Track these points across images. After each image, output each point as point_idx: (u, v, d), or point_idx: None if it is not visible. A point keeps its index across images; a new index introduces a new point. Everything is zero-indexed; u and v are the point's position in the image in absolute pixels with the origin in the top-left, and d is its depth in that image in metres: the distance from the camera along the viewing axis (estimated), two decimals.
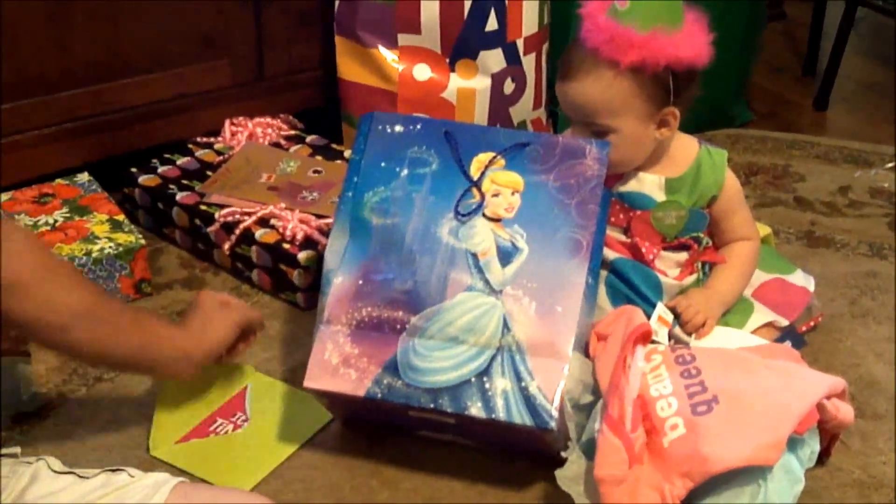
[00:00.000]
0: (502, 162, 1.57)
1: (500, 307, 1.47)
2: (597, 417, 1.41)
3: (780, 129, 2.80)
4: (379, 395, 1.46)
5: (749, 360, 1.48)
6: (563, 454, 1.42)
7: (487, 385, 1.43)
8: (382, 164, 1.59)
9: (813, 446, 1.44)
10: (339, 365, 1.48)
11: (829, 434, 1.53)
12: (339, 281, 1.53)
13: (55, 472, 1.30)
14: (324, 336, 1.51)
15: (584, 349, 1.52)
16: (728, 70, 2.64)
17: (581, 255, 1.49)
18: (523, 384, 1.43)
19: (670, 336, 1.64)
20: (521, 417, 1.42)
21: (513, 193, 1.54)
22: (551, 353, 1.44)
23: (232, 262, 2.00)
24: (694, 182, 1.71)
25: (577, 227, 1.51)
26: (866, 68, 3.28)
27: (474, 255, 1.51)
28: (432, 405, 1.44)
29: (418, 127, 1.61)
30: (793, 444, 1.39)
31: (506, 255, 1.51)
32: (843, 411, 1.48)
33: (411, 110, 2.18)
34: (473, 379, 1.44)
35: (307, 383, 1.49)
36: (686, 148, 1.74)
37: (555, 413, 1.41)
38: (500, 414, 1.42)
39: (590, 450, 1.39)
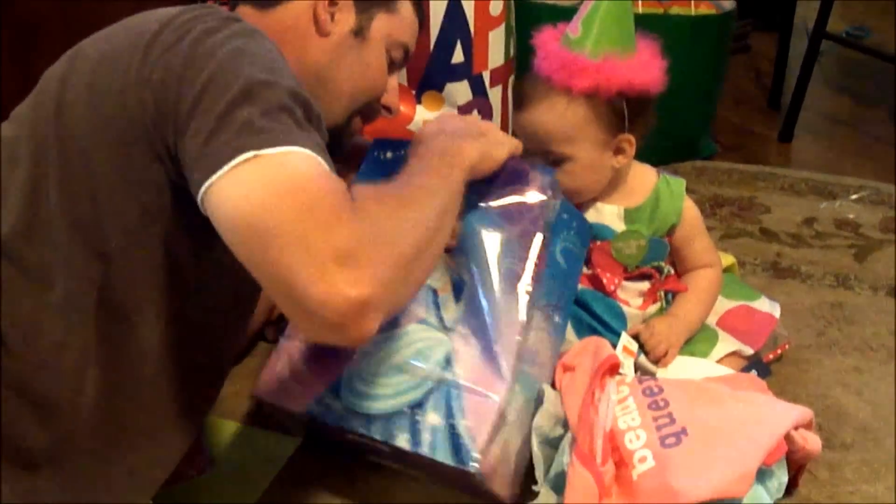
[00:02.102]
0: None
1: (448, 344, 1.44)
2: (566, 451, 1.40)
3: (745, 160, 2.82)
4: (316, 415, 1.45)
5: (717, 391, 1.48)
6: (534, 488, 1.41)
7: (419, 418, 1.40)
8: None
9: (781, 477, 1.44)
10: (289, 379, 1.48)
11: (797, 465, 1.52)
12: None
13: None
14: (281, 349, 1.51)
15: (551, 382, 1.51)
16: (693, 102, 2.67)
17: (521, 289, 1.45)
18: (452, 422, 1.38)
19: (636, 366, 1.63)
20: (443, 455, 1.37)
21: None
22: (484, 394, 1.40)
23: None
24: (653, 211, 1.71)
25: (517, 258, 1.47)
26: (831, 100, 3.32)
27: (434, 292, 1.49)
28: (363, 431, 1.42)
29: (404, 154, 1.57)
30: (761, 475, 1.39)
31: (457, 290, 1.48)
32: (811, 442, 1.48)
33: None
34: (407, 410, 1.41)
35: (255, 391, 1.50)
36: (644, 177, 1.74)
37: (476, 455, 1.36)
38: (425, 448, 1.38)
39: (559, 484, 1.38)
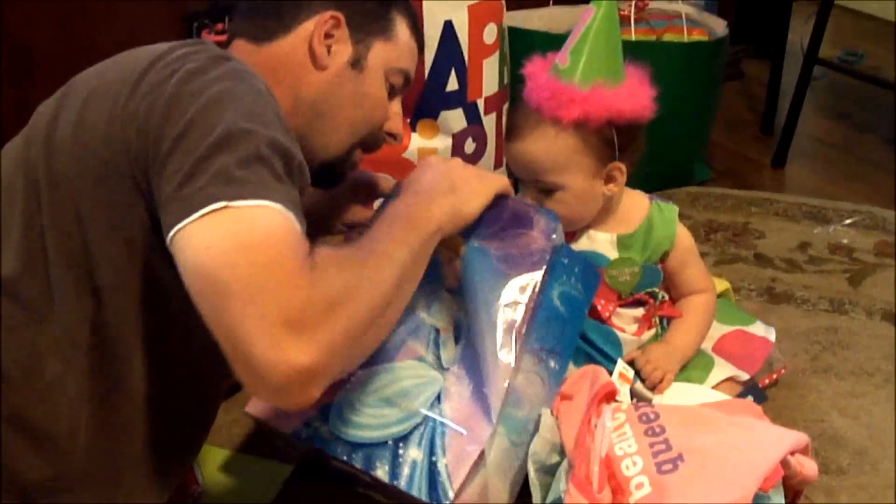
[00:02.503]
0: None
1: (440, 383, 1.43)
2: (562, 478, 1.40)
3: (739, 186, 2.82)
4: (304, 437, 1.44)
5: (713, 417, 1.48)
6: None
7: (401, 451, 1.39)
8: None
9: (778, 502, 1.43)
10: None
11: (793, 490, 1.52)
12: None
13: None
14: None
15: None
16: (687, 128, 2.68)
17: (514, 335, 1.42)
18: (433, 458, 1.37)
19: (632, 393, 1.63)
20: (419, 490, 1.36)
21: (457, 258, 1.50)
22: (468, 437, 1.38)
23: None
24: (646, 238, 1.72)
25: (513, 303, 1.44)
26: (823, 126, 3.33)
27: (437, 331, 1.48)
28: (345, 458, 1.41)
29: None
30: (758, 500, 1.39)
31: (458, 330, 1.47)
32: (807, 467, 1.48)
33: (372, 170, 2.19)
34: (391, 442, 1.40)
35: (247, 409, 1.49)
36: (636, 204, 1.75)
37: (451, 494, 1.35)
38: (402, 482, 1.37)
39: None
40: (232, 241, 1.07)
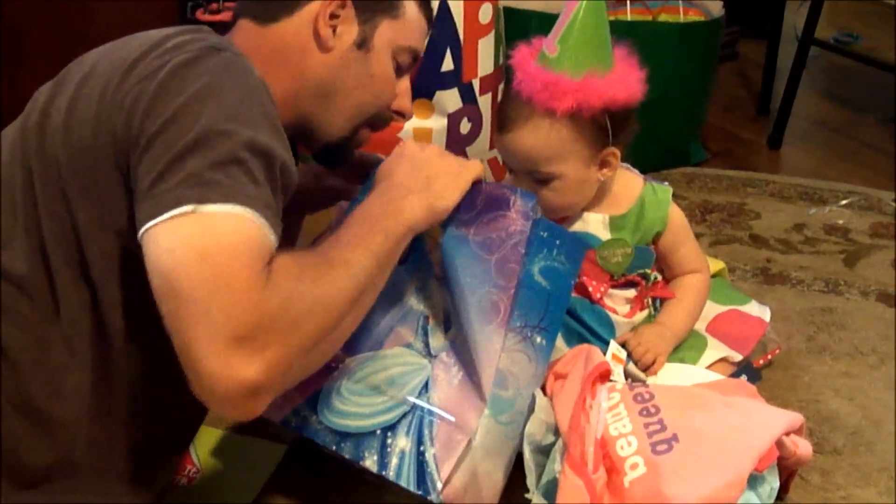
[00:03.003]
0: None
1: (428, 370, 1.43)
2: (557, 458, 1.40)
3: (735, 167, 2.82)
4: (293, 425, 1.44)
5: (707, 397, 1.48)
6: (526, 495, 1.41)
7: (390, 441, 1.39)
8: None
9: (772, 483, 1.43)
10: None
11: (788, 470, 1.53)
12: None
13: None
14: None
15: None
16: (683, 109, 2.67)
17: (498, 321, 1.41)
18: (422, 448, 1.37)
19: (626, 374, 1.63)
20: (407, 481, 1.37)
21: (437, 247, 1.48)
22: (456, 425, 1.38)
23: None
24: (638, 219, 1.71)
25: (495, 287, 1.42)
26: (819, 107, 3.33)
27: (426, 318, 1.48)
28: (334, 447, 1.41)
29: None
30: (752, 481, 1.39)
31: (447, 318, 1.47)
32: (802, 447, 1.48)
33: (366, 150, 2.18)
34: (379, 432, 1.40)
35: None
36: (630, 185, 1.74)
37: (439, 485, 1.35)
38: (391, 472, 1.37)
39: (551, 491, 1.38)
40: (193, 247, 1.07)
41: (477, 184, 1.47)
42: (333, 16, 1.42)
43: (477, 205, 1.46)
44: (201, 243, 1.07)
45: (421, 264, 1.51)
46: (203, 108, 1.14)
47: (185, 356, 1.06)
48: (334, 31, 1.42)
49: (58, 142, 1.21)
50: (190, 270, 1.06)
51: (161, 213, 1.08)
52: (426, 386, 1.42)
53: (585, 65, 1.57)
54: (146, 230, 1.09)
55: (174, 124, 1.13)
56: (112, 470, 1.29)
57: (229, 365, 1.04)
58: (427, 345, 1.46)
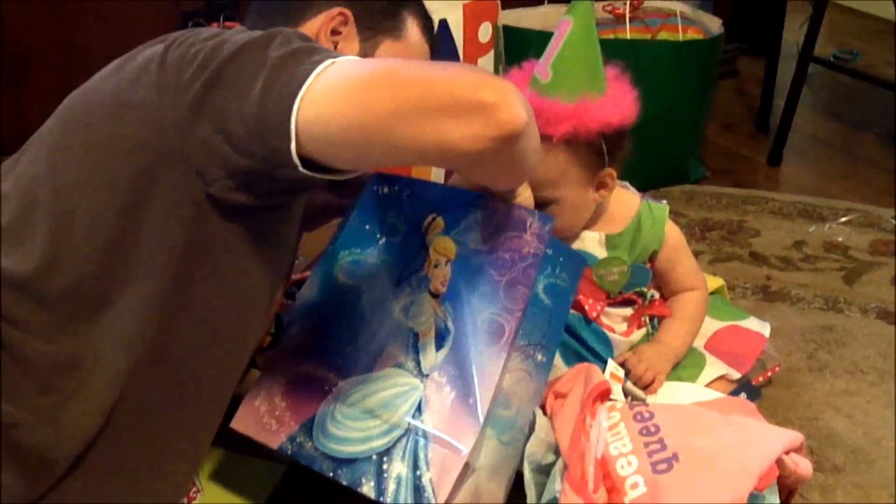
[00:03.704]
0: (441, 224, 1.48)
1: (420, 391, 1.41)
2: (557, 478, 1.40)
3: (734, 184, 2.82)
4: (289, 452, 1.44)
5: (707, 416, 1.48)
6: None
7: (386, 466, 1.38)
8: (367, 227, 1.53)
9: (773, 501, 1.43)
10: (265, 414, 1.48)
11: (788, 489, 1.52)
12: (292, 331, 1.52)
13: None
14: (260, 383, 1.51)
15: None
16: (682, 127, 2.68)
17: (502, 343, 1.39)
18: (418, 473, 1.36)
19: (625, 392, 1.63)
20: None
21: (446, 263, 1.47)
22: (451, 445, 1.36)
23: None
24: (634, 237, 1.71)
25: (502, 309, 1.40)
26: (819, 124, 3.33)
27: (416, 336, 1.46)
28: (331, 474, 1.41)
29: (399, 190, 1.53)
30: (753, 500, 1.39)
31: (440, 337, 1.44)
32: (802, 466, 1.48)
33: None
34: (374, 457, 1.39)
35: (233, 424, 1.49)
36: (626, 204, 1.74)
37: None
38: (388, 499, 1.36)
39: None
40: (367, 62, 1.12)
41: (495, 202, 1.46)
42: (335, 32, 1.42)
43: (493, 223, 1.46)
44: (366, 63, 1.12)
45: (410, 281, 1.51)
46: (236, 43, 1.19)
47: (456, 102, 1.09)
48: (335, 47, 1.42)
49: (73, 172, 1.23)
50: (391, 64, 1.10)
51: (307, 77, 1.09)
52: (419, 408, 1.41)
53: (579, 89, 1.58)
54: (300, 101, 1.09)
55: (232, 67, 1.16)
56: (125, 472, 1.30)
57: (479, 80, 1.10)
58: (418, 363, 1.44)
